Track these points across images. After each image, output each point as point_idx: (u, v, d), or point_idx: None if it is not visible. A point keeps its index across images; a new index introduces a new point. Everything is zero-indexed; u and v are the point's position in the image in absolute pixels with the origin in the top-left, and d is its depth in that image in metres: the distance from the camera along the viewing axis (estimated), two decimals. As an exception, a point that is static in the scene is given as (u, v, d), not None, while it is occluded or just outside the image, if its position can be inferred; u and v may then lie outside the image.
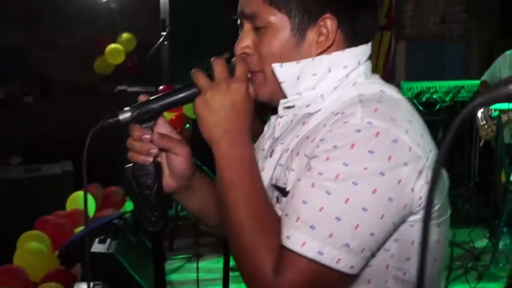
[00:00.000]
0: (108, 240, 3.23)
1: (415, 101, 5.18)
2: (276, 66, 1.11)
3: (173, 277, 4.36)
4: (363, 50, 1.13)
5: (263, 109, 1.22)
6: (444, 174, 1.12)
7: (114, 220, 3.52)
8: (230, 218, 1.06)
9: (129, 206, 4.49)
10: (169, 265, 4.46)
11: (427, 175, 1.01)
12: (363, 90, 1.08)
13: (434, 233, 1.09)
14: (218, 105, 1.07)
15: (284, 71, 1.10)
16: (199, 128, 1.11)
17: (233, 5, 1.23)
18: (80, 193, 4.29)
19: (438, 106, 5.25)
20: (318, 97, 1.11)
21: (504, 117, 4.51)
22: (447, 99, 5.31)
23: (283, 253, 0.99)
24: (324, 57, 1.10)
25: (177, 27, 4.75)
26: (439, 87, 5.32)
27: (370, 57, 1.15)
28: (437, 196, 1.06)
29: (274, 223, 1.03)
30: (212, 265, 4.29)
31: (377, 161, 0.97)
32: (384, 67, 6.76)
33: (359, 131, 0.98)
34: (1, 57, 7.07)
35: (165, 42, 4.34)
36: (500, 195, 4.38)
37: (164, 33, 4.39)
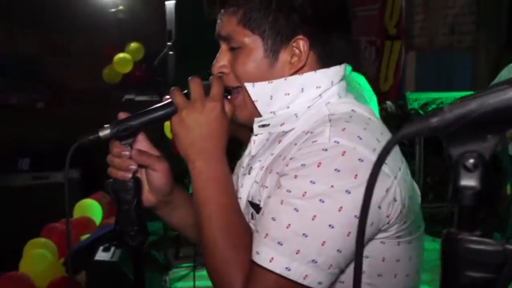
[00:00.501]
0: (112, 249, 3.26)
1: (421, 112, 5.18)
2: (248, 86, 1.14)
3: (179, 285, 4.38)
4: (336, 71, 1.16)
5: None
6: (417, 190, 1.15)
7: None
8: (203, 233, 1.09)
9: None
10: (175, 273, 4.48)
11: (395, 192, 1.03)
12: (335, 110, 1.11)
13: (406, 250, 1.10)
14: (193, 123, 1.10)
15: (256, 91, 1.14)
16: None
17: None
18: (86, 201, 4.33)
19: (444, 118, 5.25)
20: (292, 116, 1.13)
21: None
22: (453, 110, 5.31)
23: (253, 268, 1.02)
24: (297, 77, 1.13)
25: (182, 38, 4.79)
26: (445, 98, 5.31)
27: (343, 78, 1.18)
28: (406, 214, 1.07)
29: (247, 239, 1.06)
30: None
31: (343, 179, 0.99)
32: (395, 77, 6.76)
33: (326, 150, 1.01)
34: (14, 63, 7.15)
35: (171, 52, 4.38)
36: (505, 208, 4.36)
37: (170, 43, 4.43)
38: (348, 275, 1.05)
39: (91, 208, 4.25)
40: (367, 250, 1.05)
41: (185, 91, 1.14)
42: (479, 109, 0.49)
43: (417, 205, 1.13)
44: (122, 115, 1.15)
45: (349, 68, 3.85)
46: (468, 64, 6.20)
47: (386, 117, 5.15)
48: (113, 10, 6.78)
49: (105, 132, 1.12)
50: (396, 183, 1.04)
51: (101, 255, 3.23)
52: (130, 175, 1.15)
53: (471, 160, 0.50)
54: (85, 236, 3.88)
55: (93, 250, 3.28)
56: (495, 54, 5.90)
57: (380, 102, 3.81)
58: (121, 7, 6.72)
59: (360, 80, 3.85)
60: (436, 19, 6.82)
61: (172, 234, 4.75)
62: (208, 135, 1.11)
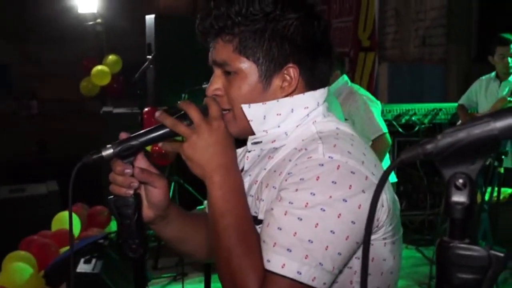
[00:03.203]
0: (94, 260, 3.28)
1: (394, 123, 5.31)
2: (245, 107, 1.23)
3: (158, 296, 4.41)
4: (322, 93, 1.28)
5: None
6: (396, 199, 1.27)
7: (99, 240, 3.56)
8: (220, 243, 1.17)
9: (114, 226, 4.54)
10: (154, 285, 4.51)
11: (382, 199, 1.17)
12: (322, 128, 1.22)
13: (391, 250, 1.23)
14: (205, 144, 1.18)
15: (252, 111, 1.23)
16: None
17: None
18: (65, 213, 4.33)
19: (416, 128, 5.38)
20: (282, 134, 1.24)
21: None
22: (426, 121, 5.44)
23: (266, 275, 1.11)
24: (288, 99, 1.24)
25: (162, 51, 4.85)
26: (418, 110, 5.46)
27: (326, 99, 1.30)
28: (392, 217, 1.20)
29: (259, 246, 1.15)
30: (196, 285, 4.35)
31: (340, 190, 1.10)
32: (368, 88, 6.89)
33: (322, 165, 1.12)
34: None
35: (151, 66, 4.43)
36: (476, 216, 4.50)
37: (150, 57, 4.49)
38: (343, 275, 1.16)
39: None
40: (359, 252, 1.15)
41: (177, 114, 1.21)
42: (466, 138, 0.59)
43: (397, 210, 1.26)
44: (123, 135, 1.22)
45: (348, 80, 3.98)
46: (440, 76, 6.37)
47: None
48: (91, 22, 6.80)
49: (107, 152, 1.18)
50: (383, 191, 1.17)
51: (82, 267, 3.25)
52: (131, 192, 1.22)
53: (461, 180, 0.60)
54: (64, 249, 3.89)
55: (75, 262, 3.29)
56: (466, 66, 6.08)
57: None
58: (99, 20, 6.74)
59: (362, 91, 4.00)
60: (407, 31, 6.99)
61: (150, 245, 4.78)
62: (221, 151, 1.19)
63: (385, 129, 3.83)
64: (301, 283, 1.08)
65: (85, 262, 3.27)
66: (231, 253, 1.14)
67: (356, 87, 4.05)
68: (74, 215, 4.31)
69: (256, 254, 1.13)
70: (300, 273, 1.08)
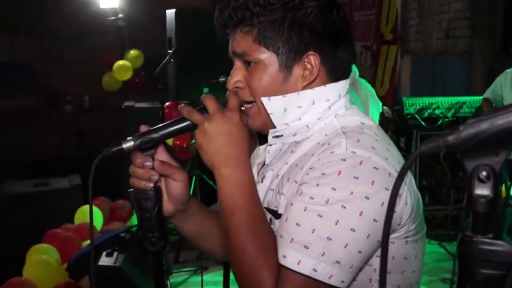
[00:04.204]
0: (115, 254, 3.30)
1: (417, 117, 5.25)
2: (264, 100, 1.21)
3: (179, 289, 4.43)
4: (343, 85, 1.25)
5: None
6: (420, 197, 1.23)
7: (121, 233, 3.58)
8: (232, 239, 1.15)
9: (136, 219, 4.56)
10: (175, 278, 4.53)
11: (406, 197, 1.14)
12: (345, 123, 1.20)
13: (412, 249, 1.20)
14: (215, 133, 1.16)
15: (272, 104, 1.21)
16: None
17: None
18: (88, 207, 4.35)
19: (440, 122, 5.31)
20: (304, 127, 1.21)
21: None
22: (449, 114, 5.37)
23: (281, 271, 1.09)
24: (308, 91, 1.22)
25: (183, 45, 4.85)
26: (441, 103, 5.39)
27: (348, 91, 1.26)
28: (415, 215, 1.17)
29: (273, 242, 1.13)
30: (216, 278, 4.35)
31: (361, 186, 1.07)
32: (391, 82, 6.82)
33: (344, 160, 1.09)
34: (12, 70, 7.18)
35: (172, 60, 4.43)
36: (500, 211, 4.43)
37: (170, 51, 4.49)
38: (362, 273, 1.14)
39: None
40: (380, 250, 1.11)
41: (198, 107, 1.20)
42: (490, 129, 0.57)
43: (420, 208, 1.22)
44: (143, 128, 1.21)
45: (357, 71, 3.94)
46: (463, 68, 6.28)
47: (383, 122, 5.23)
48: (112, 18, 6.83)
49: (128, 145, 1.18)
50: (406, 188, 1.14)
51: (104, 260, 3.27)
52: (152, 185, 1.21)
53: (484, 173, 0.58)
54: (87, 242, 3.92)
55: (96, 255, 3.32)
56: (490, 58, 5.98)
57: (377, 108, 3.89)
58: (120, 15, 6.78)
59: (368, 86, 3.95)
60: (431, 24, 6.90)
61: (172, 239, 4.80)
62: (231, 142, 1.16)
63: None
64: (316, 280, 1.06)
65: (107, 256, 3.29)
66: (244, 250, 1.12)
67: (362, 81, 4.00)
68: (96, 209, 4.34)
69: (270, 250, 1.11)
70: (316, 271, 1.06)
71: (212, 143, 1.16)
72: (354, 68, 3.92)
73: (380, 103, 3.96)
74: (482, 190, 0.58)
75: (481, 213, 0.58)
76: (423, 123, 5.24)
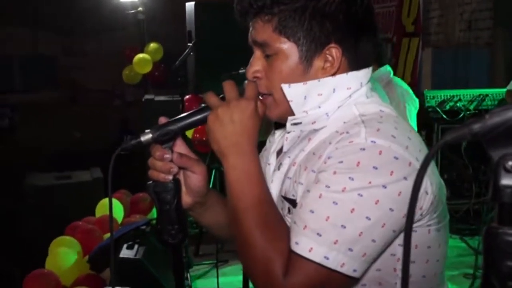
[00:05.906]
0: (136, 246, 3.32)
1: (438, 109, 5.19)
2: (285, 87, 1.19)
3: (199, 283, 4.44)
4: (365, 73, 1.22)
5: None
6: (443, 184, 1.21)
7: (141, 226, 3.60)
8: (239, 226, 1.14)
9: (156, 212, 4.58)
10: (195, 271, 4.55)
11: (426, 186, 1.11)
12: (364, 110, 1.17)
13: (436, 238, 1.18)
14: (227, 119, 1.15)
15: (292, 91, 1.19)
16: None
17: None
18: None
19: (462, 115, 5.24)
20: (323, 115, 1.19)
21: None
22: (471, 107, 5.30)
23: (292, 258, 1.08)
24: (329, 79, 1.19)
25: (202, 39, 4.84)
26: (463, 96, 5.31)
27: (370, 79, 1.24)
28: (437, 204, 1.15)
29: (283, 229, 1.12)
30: (236, 272, 4.36)
31: (380, 176, 1.06)
32: (412, 75, 6.75)
33: (364, 149, 1.08)
34: (34, 64, 7.25)
35: (191, 53, 4.43)
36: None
37: (190, 44, 4.49)
38: (386, 263, 1.13)
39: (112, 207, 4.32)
40: (401, 239, 1.11)
41: (221, 95, 1.19)
42: None
43: (443, 195, 1.20)
44: (162, 120, 1.21)
45: (391, 71, 3.87)
46: (486, 60, 6.20)
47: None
48: (132, 11, 6.87)
49: (146, 137, 1.18)
50: (427, 177, 1.12)
51: (125, 253, 3.29)
52: (171, 177, 1.21)
53: (511, 162, 0.56)
54: (108, 235, 3.95)
55: (117, 247, 3.35)
56: (513, 50, 5.89)
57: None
58: (140, 8, 6.81)
59: (404, 84, 3.88)
60: (452, 16, 6.82)
61: (192, 232, 4.82)
62: (241, 131, 1.15)
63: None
64: (328, 268, 1.05)
65: (127, 248, 3.31)
66: (252, 237, 1.11)
67: (397, 79, 3.95)
68: (117, 202, 4.37)
69: (280, 237, 1.10)
70: (328, 258, 1.05)
71: (221, 129, 1.16)
72: (388, 68, 3.87)
73: (417, 100, 3.91)
74: (509, 180, 0.56)
75: (507, 204, 0.57)
76: (444, 116, 5.18)
